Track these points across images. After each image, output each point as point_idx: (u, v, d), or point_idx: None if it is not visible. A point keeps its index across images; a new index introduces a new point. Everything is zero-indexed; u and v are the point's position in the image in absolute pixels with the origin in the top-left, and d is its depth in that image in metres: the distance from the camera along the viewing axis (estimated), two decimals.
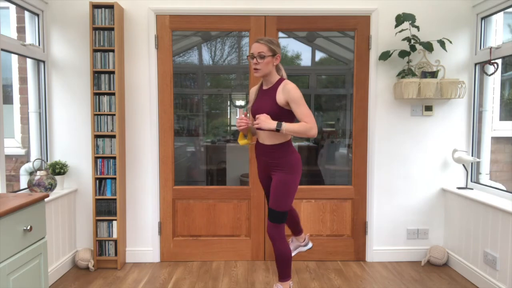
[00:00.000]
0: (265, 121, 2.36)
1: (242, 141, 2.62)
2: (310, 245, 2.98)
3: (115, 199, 3.23)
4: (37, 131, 3.30)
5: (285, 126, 2.35)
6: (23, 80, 4.11)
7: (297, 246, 2.95)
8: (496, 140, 4.49)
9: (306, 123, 2.36)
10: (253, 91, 2.69)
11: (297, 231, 2.92)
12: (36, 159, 3.20)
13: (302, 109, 2.38)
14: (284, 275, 2.62)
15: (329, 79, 4.65)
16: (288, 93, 2.39)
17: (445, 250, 3.37)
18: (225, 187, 3.49)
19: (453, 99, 3.33)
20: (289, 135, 2.51)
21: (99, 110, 3.19)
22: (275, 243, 2.54)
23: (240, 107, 4.70)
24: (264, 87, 2.58)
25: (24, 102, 4.13)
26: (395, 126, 3.40)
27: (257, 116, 2.41)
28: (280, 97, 2.42)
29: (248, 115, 2.59)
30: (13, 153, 4.17)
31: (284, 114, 2.44)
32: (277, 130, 2.36)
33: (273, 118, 2.41)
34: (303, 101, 2.40)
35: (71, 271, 3.24)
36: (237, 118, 2.57)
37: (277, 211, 2.53)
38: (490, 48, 3.07)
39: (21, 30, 4.01)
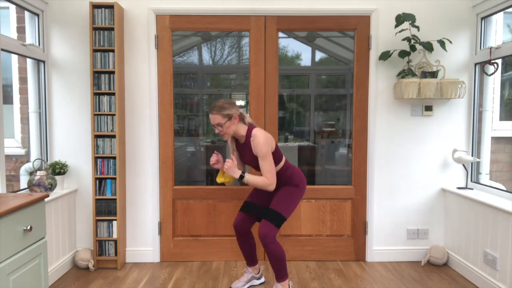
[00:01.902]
0: (231, 168, 2.59)
1: (219, 179, 2.76)
2: (263, 279, 3.04)
3: (115, 199, 3.23)
4: (37, 131, 3.30)
5: (247, 178, 2.59)
6: (23, 80, 4.11)
7: (251, 278, 2.97)
8: (496, 140, 4.49)
9: (266, 179, 2.57)
10: (230, 141, 2.83)
11: (252, 260, 2.97)
12: (36, 159, 3.20)
13: (265, 165, 2.58)
14: (282, 275, 2.67)
15: (329, 79, 4.64)
16: (256, 148, 2.58)
17: (445, 250, 3.37)
18: (225, 187, 3.49)
19: (453, 99, 3.33)
20: (281, 163, 2.72)
21: (99, 110, 3.19)
22: (269, 244, 2.59)
23: (240, 107, 4.70)
24: (240, 142, 2.74)
25: (24, 102, 4.13)
26: (395, 126, 3.40)
27: (227, 160, 2.61)
28: (254, 151, 2.60)
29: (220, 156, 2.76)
30: (13, 153, 4.17)
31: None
32: (240, 179, 2.60)
33: (256, 167, 2.68)
34: (267, 155, 2.57)
35: (71, 271, 3.24)
36: (227, 161, 2.69)
37: (279, 212, 2.62)
38: (490, 48, 3.07)
39: (21, 30, 4.01)
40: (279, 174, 2.72)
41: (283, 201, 2.66)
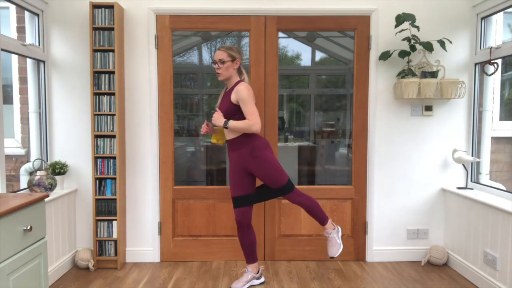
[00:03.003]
0: (217, 118, 2.76)
1: (213, 139, 3.00)
2: (262, 279, 3.04)
3: (115, 199, 3.23)
4: (37, 131, 3.30)
5: (231, 123, 2.71)
6: (23, 80, 4.11)
7: (251, 278, 2.97)
8: (496, 140, 4.49)
9: (248, 121, 2.68)
10: (221, 94, 2.99)
11: (253, 257, 2.98)
12: (36, 159, 3.20)
13: (247, 108, 2.69)
14: (324, 219, 2.89)
15: (329, 79, 4.64)
16: (237, 93, 2.71)
17: (445, 250, 3.37)
18: (225, 187, 3.49)
19: (453, 99, 3.33)
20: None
21: (99, 110, 3.19)
22: (302, 201, 2.83)
23: None
24: (227, 89, 2.88)
25: (24, 102, 4.13)
26: (395, 126, 3.40)
27: (216, 112, 2.80)
28: (233, 97, 2.74)
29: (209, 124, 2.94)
30: (13, 153, 4.17)
31: (238, 111, 2.74)
32: (225, 126, 2.72)
33: (229, 115, 2.76)
34: (249, 100, 2.70)
35: (71, 271, 3.24)
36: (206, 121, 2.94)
37: (280, 186, 2.78)
38: (490, 48, 3.07)
39: (21, 30, 4.01)
40: (244, 138, 2.77)
41: (269, 173, 2.77)
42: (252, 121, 2.68)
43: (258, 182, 2.91)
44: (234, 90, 2.73)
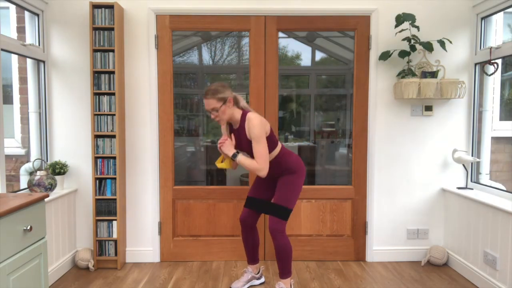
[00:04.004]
0: (228, 146, 2.60)
1: (219, 164, 2.72)
2: (263, 279, 3.04)
3: (115, 199, 3.23)
4: (37, 131, 3.30)
5: (240, 158, 2.56)
6: (23, 80, 4.11)
7: (251, 278, 2.97)
8: (496, 140, 4.49)
9: (257, 164, 2.52)
10: (225, 127, 2.77)
11: (254, 258, 2.96)
12: (36, 159, 3.20)
13: (258, 148, 2.52)
14: (286, 272, 2.69)
15: (329, 79, 4.64)
16: (250, 130, 2.53)
17: (445, 250, 3.37)
18: (225, 187, 3.49)
19: (453, 99, 3.33)
20: (277, 148, 2.67)
21: (99, 110, 3.19)
22: (278, 238, 2.61)
23: None
24: (234, 127, 2.69)
25: (24, 102, 4.13)
26: (395, 126, 3.40)
27: (222, 140, 2.62)
28: (248, 134, 2.56)
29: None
30: (13, 153, 4.17)
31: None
32: (233, 158, 2.58)
33: (251, 151, 2.59)
34: (261, 138, 2.52)
35: (71, 271, 3.24)
36: (221, 138, 2.66)
37: (283, 206, 2.64)
38: (490, 48, 3.07)
39: (21, 30, 4.01)
40: (276, 161, 2.68)
41: (285, 192, 2.65)
42: (260, 166, 2.52)
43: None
44: (247, 127, 2.55)
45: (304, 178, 2.75)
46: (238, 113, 2.62)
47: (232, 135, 2.66)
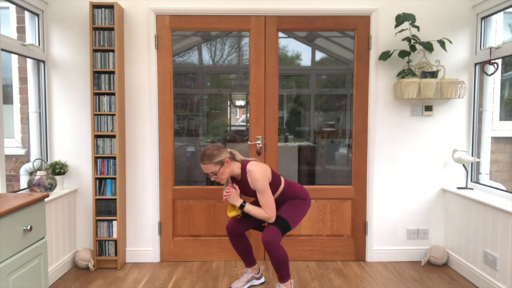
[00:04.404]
0: (234, 198, 2.66)
1: (231, 213, 2.75)
2: (263, 279, 3.04)
3: (115, 199, 3.23)
4: (37, 131, 3.30)
5: (247, 208, 2.65)
6: (23, 80, 4.11)
7: (251, 278, 2.97)
8: (496, 140, 4.49)
9: (265, 214, 2.62)
10: (225, 182, 2.79)
11: (250, 261, 2.97)
12: (36, 159, 3.20)
13: (264, 199, 2.62)
14: (284, 276, 2.70)
15: (329, 79, 4.64)
16: (253, 183, 2.62)
17: (445, 250, 3.37)
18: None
19: (453, 99, 3.33)
20: (281, 186, 2.75)
21: (99, 110, 3.19)
22: (273, 249, 2.60)
23: (240, 107, 4.70)
24: (237, 179, 2.75)
25: (24, 102, 4.13)
26: (395, 126, 3.40)
27: (227, 191, 2.66)
28: (252, 185, 2.64)
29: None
30: (13, 153, 4.17)
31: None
32: (241, 208, 2.65)
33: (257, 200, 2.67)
34: (265, 189, 2.61)
35: (71, 271, 3.24)
36: (226, 189, 2.71)
37: (286, 219, 2.66)
38: (490, 48, 3.07)
39: (21, 30, 4.02)
40: (282, 194, 2.76)
41: (291, 211, 2.72)
42: (268, 215, 2.62)
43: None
44: (251, 180, 2.62)
45: (308, 209, 2.83)
46: (237, 168, 2.68)
47: (235, 185, 2.71)
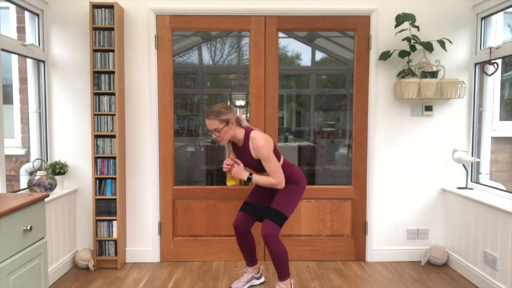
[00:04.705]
0: (239, 172, 2.63)
1: (230, 182, 2.76)
2: (263, 279, 3.04)
3: (115, 199, 3.23)
4: (37, 131, 3.30)
5: (255, 179, 2.63)
6: (23, 80, 4.11)
7: (251, 278, 2.97)
8: (496, 140, 4.49)
9: (274, 180, 2.61)
10: (226, 146, 2.81)
11: (252, 260, 2.97)
12: (36, 159, 3.20)
13: (270, 166, 2.59)
14: (284, 274, 2.69)
15: (329, 79, 4.64)
16: (257, 152, 2.58)
17: (445, 250, 3.37)
18: (225, 187, 3.48)
19: (453, 99, 3.33)
20: (280, 162, 2.71)
21: (99, 110, 3.19)
22: (272, 243, 2.60)
23: (240, 107, 4.71)
24: (238, 145, 2.73)
25: (24, 102, 4.13)
26: (395, 126, 3.40)
27: (234, 164, 2.63)
28: (254, 153, 2.62)
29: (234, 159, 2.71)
30: (13, 153, 4.17)
31: (261, 165, 2.64)
32: (248, 181, 2.63)
33: (258, 168, 2.66)
34: (270, 156, 2.58)
35: (71, 271, 3.24)
36: (226, 161, 2.70)
37: (281, 211, 2.64)
38: (490, 48, 3.07)
39: (21, 30, 4.02)
40: None
41: (284, 200, 2.68)
42: (277, 181, 2.60)
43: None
44: (252, 147, 2.60)
45: (304, 192, 2.79)
46: (241, 133, 2.66)
47: (237, 160, 2.68)
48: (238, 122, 2.67)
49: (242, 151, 2.69)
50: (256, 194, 2.88)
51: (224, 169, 2.67)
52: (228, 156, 2.78)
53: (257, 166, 2.68)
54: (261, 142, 2.55)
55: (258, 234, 3.39)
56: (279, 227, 2.63)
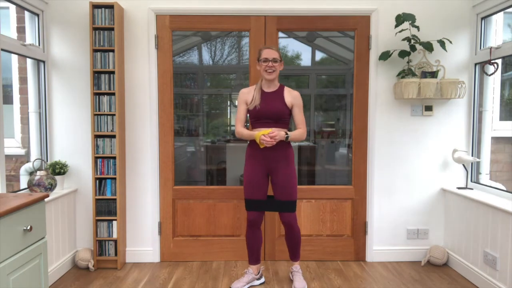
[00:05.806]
0: (279, 134, 2.68)
1: (260, 133, 2.68)
2: (263, 279, 3.05)
3: (115, 199, 3.23)
4: (37, 131, 3.30)
5: (291, 135, 2.76)
6: (23, 80, 4.11)
7: (252, 278, 2.98)
8: (496, 140, 4.49)
9: (303, 130, 2.82)
10: (247, 92, 2.87)
11: (257, 258, 2.99)
12: (36, 159, 3.20)
13: (301, 116, 2.85)
14: (299, 255, 3.01)
15: (329, 79, 4.64)
16: (296, 99, 2.81)
17: (445, 250, 3.37)
18: (225, 187, 3.49)
19: (453, 99, 3.33)
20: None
21: (99, 110, 3.19)
22: (295, 227, 2.85)
23: None
24: (267, 90, 2.84)
25: (24, 102, 4.13)
26: (395, 126, 3.40)
27: (272, 133, 2.63)
28: (288, 100, 2.80)
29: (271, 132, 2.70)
30: (13, 153, 4.17)
31: (287, 114, 2.82)
32: (286, 139, 2.73)
33: (280, 117, 2.77)
34: (302, 107, 2.86)
35: (71, 271, 3.24)
36: (265, 136, 2.65)
37: (292, 200, 2.82)
38: (490, 48, 3.07)
39: (21, 30, 4.02)
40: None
41: (289, 188, 2.80)
42: (304, 130, 2.82)
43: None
44: (290, 94, 2.81)
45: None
46: (277, 80, 2.85)
47: (271, 129, 2.70)
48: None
49: (274, 94, 2.81)
50: (257, 188, 2.84)
51: (267, 145, 2.65)
52: (249, 104, 2.80)
53: (279, 112, 2.75)
54: (298, 93, 2.84)
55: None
56: (295, 211, 2.86)
